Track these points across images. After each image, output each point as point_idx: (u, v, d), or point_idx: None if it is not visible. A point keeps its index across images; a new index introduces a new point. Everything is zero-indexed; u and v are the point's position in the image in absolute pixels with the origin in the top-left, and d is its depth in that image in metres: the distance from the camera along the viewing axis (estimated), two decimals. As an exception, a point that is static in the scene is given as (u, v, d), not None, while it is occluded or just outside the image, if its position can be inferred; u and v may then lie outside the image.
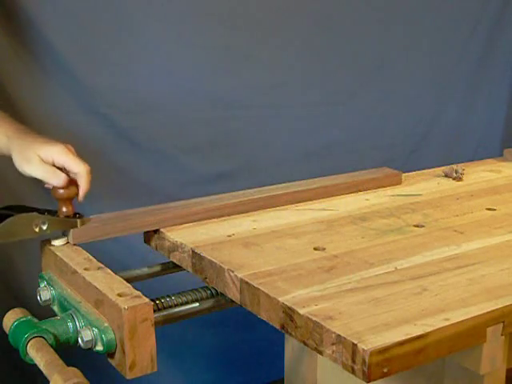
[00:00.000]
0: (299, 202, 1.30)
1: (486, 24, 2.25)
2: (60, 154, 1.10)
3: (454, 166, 1.49)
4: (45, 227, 1.10)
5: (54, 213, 1.13)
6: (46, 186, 1.13)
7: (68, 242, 1.11)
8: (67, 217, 1.13)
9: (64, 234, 1.12)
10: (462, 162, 1.59)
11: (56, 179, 1.09)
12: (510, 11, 2.28)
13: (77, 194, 1.12)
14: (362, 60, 2.06)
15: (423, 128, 2.23)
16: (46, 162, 1.09)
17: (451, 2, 2.19)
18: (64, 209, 1.12)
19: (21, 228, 1.08)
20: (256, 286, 0.94)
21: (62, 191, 1.10)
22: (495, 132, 2.40)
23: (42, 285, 1.10)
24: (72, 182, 1.11)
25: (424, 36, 2.16)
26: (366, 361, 0.78)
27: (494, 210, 1.28)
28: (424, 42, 2.17)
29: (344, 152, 2.05)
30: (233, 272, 0.99)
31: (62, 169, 1.10)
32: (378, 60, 2.10)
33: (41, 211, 1.11)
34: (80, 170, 1.10)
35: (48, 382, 0.88)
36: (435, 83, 2.23)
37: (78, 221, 1.13)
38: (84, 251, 1.09)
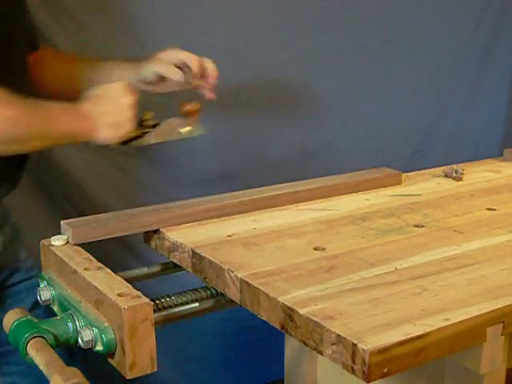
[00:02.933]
0: (299, 201, 1.30)
1: (486, 25, 2.25)
2: (179, 52, 1.27)
3: (454, 166, 1.49)
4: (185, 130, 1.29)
5: None
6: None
7: (68, 242, 1.11)
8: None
9: (63, 233, 1.12)
10: (463, 162, 1.59)
11: (176, 74, 1.25)
12: (510, 12, 2.29)
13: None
14: (363, 60, 2.06)
15: (425, 129, 2.23)
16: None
17: (452, 3, 2.19)
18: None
19: (171, 129, 1.28)
20: (256, 285, 0.94)
21: (188, 107, 1.28)
22: (496, 132, 2.40)
23: (41, 285, 1.10)
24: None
25: (425, 36, 2.16)
26: (366, 361, 0.77)
27: (494, 210, 1.28)
28: (425, 42, 2.17)
29: (344, 152, 2.05)
30: (233, 272, 0.99)
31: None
32: (378, 60, 2.10)
33: None
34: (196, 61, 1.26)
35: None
36: (436, 84, 2.23)
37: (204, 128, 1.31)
38: (84, 251, 1.09)
